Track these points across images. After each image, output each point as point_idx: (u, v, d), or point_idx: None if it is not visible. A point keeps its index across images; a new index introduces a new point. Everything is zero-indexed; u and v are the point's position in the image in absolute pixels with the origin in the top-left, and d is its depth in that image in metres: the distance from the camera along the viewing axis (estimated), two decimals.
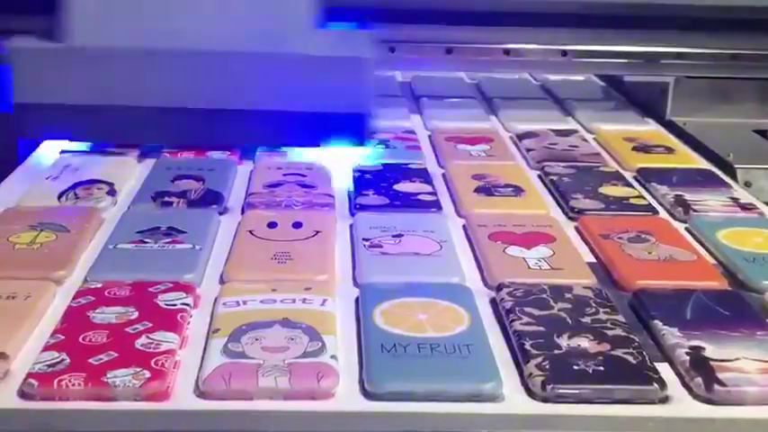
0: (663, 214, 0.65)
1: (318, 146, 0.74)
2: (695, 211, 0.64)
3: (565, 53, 0.90)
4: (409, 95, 0.98)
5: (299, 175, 0.69)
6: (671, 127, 0.90)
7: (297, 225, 0.59)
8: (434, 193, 0.66)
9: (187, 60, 0.71)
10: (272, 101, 0.72)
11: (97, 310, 0.47)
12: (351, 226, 0.61)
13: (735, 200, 0.67)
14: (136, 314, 0.46)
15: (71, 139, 0.74)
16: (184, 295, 0.49)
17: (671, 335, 0.46)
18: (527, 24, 0.89)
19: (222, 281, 0.52)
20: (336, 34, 0.76)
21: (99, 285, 0.50)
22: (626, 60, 0.91)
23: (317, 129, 0.73)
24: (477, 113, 0.91)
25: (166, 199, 0.63)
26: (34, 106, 0.72)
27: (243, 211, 0.63)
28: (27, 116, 0.72)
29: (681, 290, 0.52)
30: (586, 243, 0.60)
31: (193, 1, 0.71)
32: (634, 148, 0.79)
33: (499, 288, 0.51)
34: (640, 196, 0.67)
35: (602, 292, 0.51)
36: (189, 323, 0.47)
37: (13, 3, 0.81)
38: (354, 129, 0.73)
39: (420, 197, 0.65)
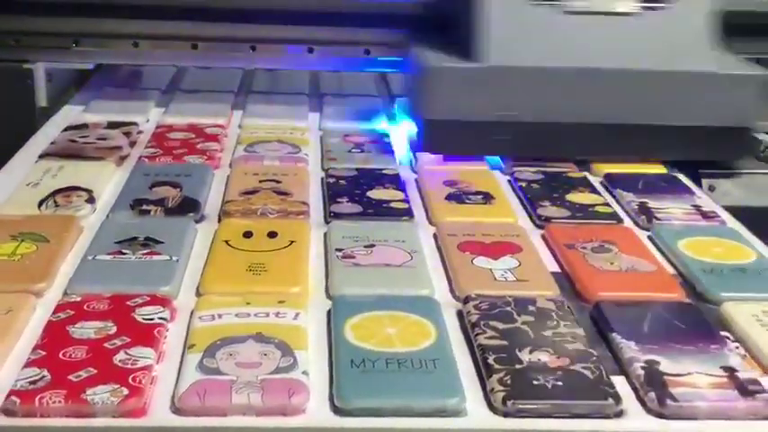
0: (627, 222, 0.67)
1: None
2: (658, 219, 0.67)
3: None
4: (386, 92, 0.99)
5: (274, 181, 0.71)
6: None
7: (272, 235, 0.61)
8: (407, 201, 0.68)
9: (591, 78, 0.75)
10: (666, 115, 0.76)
11: (77, 325, 0.48)
12: (325, 234, 0.63)
13: (697, 207, 0.69)
14: (114, 329, 0.48)
15: (472, 155, 0.77)
16: (161, 309, 0.50)
17: (628, 348, 0.48)
18: None
19: (198, 293, 0.54)
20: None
21: (78, 299, 0.51)
22: None
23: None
24: None
25: (144, 207, 0.65)
26: (444, 122, 0.75)
27: (219, 219, 0.65)
28: (436, 132, 0.76)
29: (640, 302, 0.54)
30: (552, 252, 0.62)
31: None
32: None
33: (466, 300, 0.53)
34: (606, 204, 0.69)
35: (564, 305, 0.53)
36: (165, 337, 0.49)
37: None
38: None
39: (393, 205, 0.67)
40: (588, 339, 0.49)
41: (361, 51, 0.91)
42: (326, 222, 0.65)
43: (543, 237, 0.64)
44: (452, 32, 0.80)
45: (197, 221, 0.64)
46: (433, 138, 0.76)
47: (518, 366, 0.46)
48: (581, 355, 0.48)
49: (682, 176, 0.77)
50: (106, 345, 0.47)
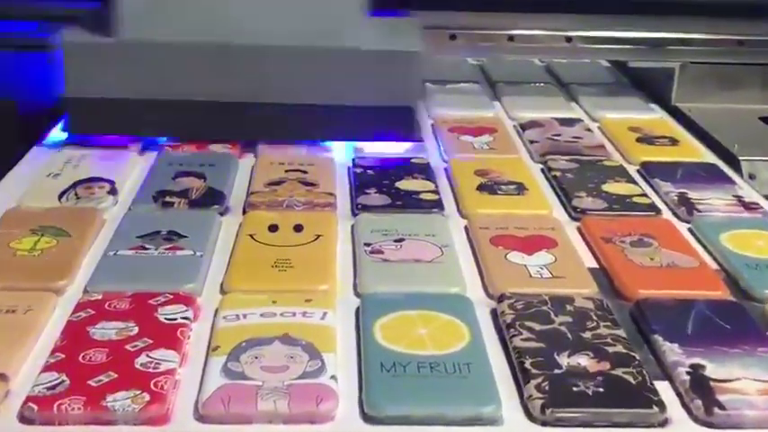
0: (666, 214, 0.65)
1: (366, 140, 0.74)
2: (698, 211, 0.64)
3: (569, 39, 0.89)
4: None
5: (300, 171, 0.69)
6: (676, 114, 0.89)
7: (298, 228, 0.59)
8: (437, 191, 0.66)
9: (236, 54, 0.71)
10: (320, 95, 0.72)
11: (97, 326, 0.47)
12: (352, 227, 0.61)
13: (739, 198, 0.66)
14: (136, 329, 0.46)
15: (117, 134, 0.74)
16: (184, 308, 0.49)
17: (671, 351, 0.46)
18: (531, 10, 0.88)
19: (223, 290, 0.52)
20: (385, 23, 0.76)
21: (99, 297, 0.50)
22: (631, 46, 0.90)
23: (364, 123, 0.73)
24: (480, 100, 0.90)
25: (167, 199, 0.63)
26: (83, 101, 0.71)
27: (244, 212, 0.63)
28: (76, 110, 0.72)
29: (682, 300, 0.51)
30: (588, 246, 0.59)
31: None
32: (638, 140, 0.79)
33: (500, 299, 0.51)
34: (644, 194, 0.67)
35: (603, 304, 0.50)
36: (189, 338, 0.47)
37: None
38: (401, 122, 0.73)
39: (422, 196, 0.65)
40: (629, 341, 0.47)
41: None
42: (354, 215, 0.63)
43: (579, 229, 0.62)
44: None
45: (221, 214, 0.63)
46: (79, 118, 0.72)
47: (556, 371, 0.44)
48: (622, 358, 0.45)
49: (722, 164, 0.74)
50: (127, 347, 0.45)
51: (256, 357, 0.44)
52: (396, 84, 0.72)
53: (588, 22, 0.89)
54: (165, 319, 0.48)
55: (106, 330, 0.46)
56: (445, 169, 0.72)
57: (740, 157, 0.77)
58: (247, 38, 0.70)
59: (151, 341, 0.45)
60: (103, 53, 0.71)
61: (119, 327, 0.47)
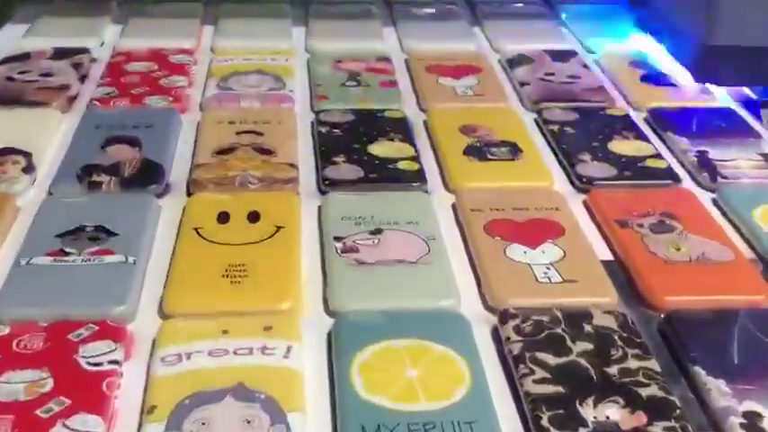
0: (686, 180, 0.55)
1: None
2: (723, 177, 0.55)
3: None
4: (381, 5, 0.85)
5: (255, 133, 0.58)
6: None
7: (253, 217, 0.49)
8: (417, 158, 0.56)
9: None
10: None
11: (2, 377, 0.37)
12: (319, 211, 0.51)
13: (766, 157, 0.57)
14: (50, 383, 0.37)
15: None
16: (112, 346, 0.39)
17: (718, 392, 0.37)
18: None
19: (162, 311, 0.42)
20: None
21: (7, 331, 0.40)
22: None
23: None
24: (459, 27, 0.79)
25: (95, 178, 0.52)
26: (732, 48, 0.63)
27: (188, 192, 0.53)
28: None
29: (721, 312, 0.42)
30: (600, 231, 0.50)
31: None
32: (643, 78, 0.69)
33: (503, 318, 0.41)
34: (657, 155, 0.57)
35: (627, 320, 0.41)
36: (117, 393, 0.37)
37: None
38: None
39: (400, 165, 0.55)
40: (665, 378, 0.38)
41: None
42: (321, 192, 0.53)
43: (586, 205, 0.53)
44: None
45: (160, 195, 0.52)
46: (717, 66, 0.64)
47: (582, 431, 0.35)
48: (660, 405, 0.37)
49: (741, 110, 0.64)
50: (38, 412, 0.35)
51: (203, 424, 0.35)
52: None
53: None
54: (88, 363, 0.38)
55: (12, 386, 0.37)
56: (424, 122, 0.62)
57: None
58: None
59: (69, 401, 0.36)
60: None
61: (28, 378, 0.37)
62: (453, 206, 0.52)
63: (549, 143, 0.60)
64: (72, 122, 0.60)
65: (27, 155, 0.55)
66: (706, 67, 0.65)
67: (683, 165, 0.57)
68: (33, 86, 0.64)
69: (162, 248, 0.47)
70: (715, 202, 0.53)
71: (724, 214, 0.52)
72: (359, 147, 0.57)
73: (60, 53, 0.70)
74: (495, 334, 0.42)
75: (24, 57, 0.69)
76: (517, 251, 0.47)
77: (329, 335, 0.41)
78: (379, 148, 0.57)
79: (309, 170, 0.55)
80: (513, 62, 0.71)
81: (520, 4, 0.85)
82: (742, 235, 0.50)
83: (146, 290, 0.44)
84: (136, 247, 0.46)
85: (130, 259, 0.45)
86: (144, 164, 0.54)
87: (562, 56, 0.73)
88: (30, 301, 0.42)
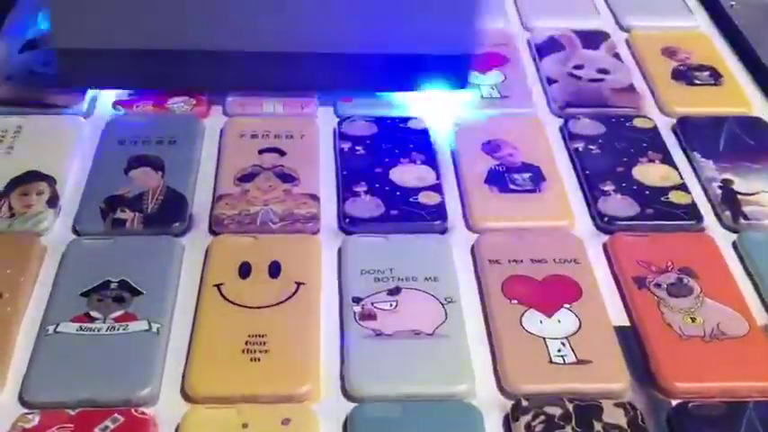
0: (708, 216, 0.55)
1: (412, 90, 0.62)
2: (746, 218, 0.54)
3: None
4: None
5: (277, 151, 0.58)
6: (714, 8, 0.76)
7: (275, 270, 0.50)
8: (438, 187, 0.56)
9: None
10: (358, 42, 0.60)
11: None
12: (339, 262, 0.51)
13: None
14: None
15: (116, 88, 0.63)
16: None
17: None
18: None
19: (184, 392, 0.44)
20: None
21: (36, 422, 0.42)
22: None
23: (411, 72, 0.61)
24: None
25: (119, 215, 0.53)
26: (77, 51, 0.59)
27: (210, 226, 0.53)
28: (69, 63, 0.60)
29: (731, 403, 0.43)
30: (617, 284, 0.50)
31: None
32: (675, 74, 0.67)
33: (515, 412, 0.43)
34: (682, 186, 0.57)
35: (636, 418, 0.42)
36: None
37: None
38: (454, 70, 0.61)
39: (422, 199, 0.55)
40: None
41: None
42: (341, 229, 0.53)
43: (606, 250, 0.53)
44: None
45: (183, 232, 0.53)
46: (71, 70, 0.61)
47: None
48: None
49: None
50: None
51: None
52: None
53: None
54: None
55: None
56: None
57: None
58: None
59: None
60: None
61: None
62: (473, 252, 0.52)
63: (573, 163, 0.59)
64: (94, 129, 0.60)
65: (51, 181, 0.55)
66: None
67: (707, 196, 0.57)
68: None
69: (185, 305, 0.48)
70: (735, 246, 0.53)
71: (743, 261, 0.52)
72: (381, 171, 0.57)
73: None
74: (507, 424, 0.43)
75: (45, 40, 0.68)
76: (533, 320, 0.47)
77: (345, 424, 0.43)
78: (401, 174, 0.57)
79: (331, 196, 0.55)
80: (541, 49, 0.70)
81: None
82: (759, 292, 0.50)
83: (169, 363, 0.45)
84: (159, 310, 0.47)
85: (154, 327, 0.46)
86: (167, 195, 0.54)
87: (593, 40, 0.71)
88: (58, 383, 0.43)
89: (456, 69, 0.61)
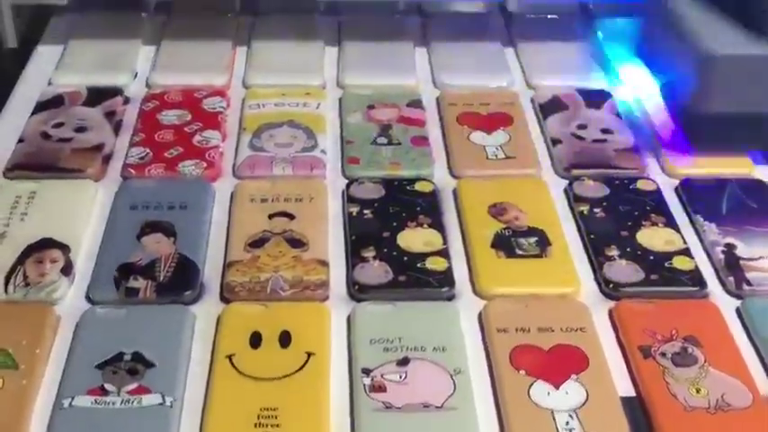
0: (711, 281, 0.56)
1: None
2: (749, 284, 0.55)
3: None
4: (415, 17, 0.84)
5: (286, 215, 0.59)
6: None
7: (285, 339, 0.51)
8: (446, 252, 0.57)
9: None
10: None
11: None
12: (348, 323, 0.52)
13: None
14: None
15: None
16: None
17: None
18: None
19: None
20: None
21: None
22: None
23: None
24: (493, 53, 0.78)
25: (132, 284, 0.54)
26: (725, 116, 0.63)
27: (221, 294, 0.54)
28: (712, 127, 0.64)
29: None
30: (623, 353, 0.51)
31: None
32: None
33: None
34: (685, 251, 0.57)
35: None
36: None
37: None
38: None
39: (429, 264, 0.56)
40: None
41: None
42: (350, 296, 0.54)
43: (611, 317, 0.54)
44: None
45: (195, 300, 0.54)
46: (706, 134, 0.64)
47: None
48: None
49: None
50: None
51: None
52: None
53: None
54: None
55: None
56: (454, 191, 0.62)
57: None
58: None
59: None
60: None
61: None
62: (480, 321, 0.53)
63: (578, 226, 0.60)
64: (107, 193, 0.61)
65: (65, 249, 0.56)
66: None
67: (711, 261, 0.57)
68: (68, 148, 0.65)
69: (198, 376, 0.49)
70: (739, 312, 0.54)
71: (746, 329, 0.53)
72: (388, 235, 0.58)
73: (94, 96, 0.70)
74: None
75: (58, 101, 0.70)
76: (541, 392, 0.48)
77: None
78: (409, 239, 0.58)
79: (340, 261, 0.56)
80: (545, 108, 0.71)
81: (555, 16, 0.83)
82: (762, 360, 0.51)
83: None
84: (172, 382, 0.48)
85: (167, 400, 0.47)
86: (179, 262, 0.55)
87: (595, 99, 0.72)
88: None
89: None
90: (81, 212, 0.59)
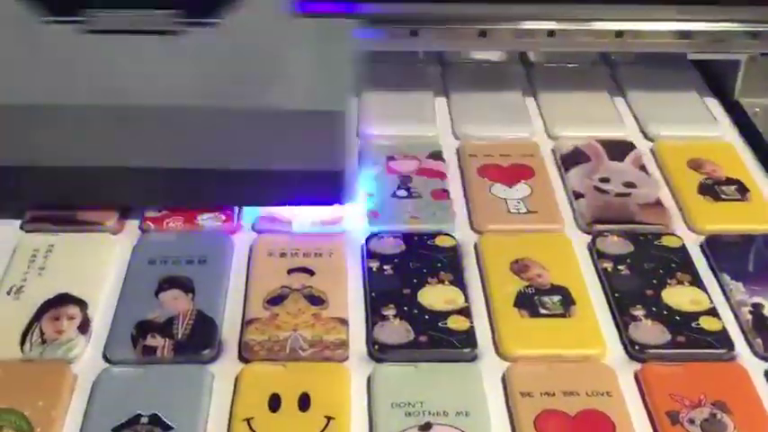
0: (739, 345, 0.55)
1: (289, 205, 0.63)
2: None
3: (620, 34, 0.75)
4: (435, 65, 0.83)
5: (306, 272, 0.58)
6: (738, 115, 0.77)
7: (304, 403, 0.50)
8: (467, 311, 0.56)
9: (137, 117, 0.58)
10: (233, 159, 0.60)
11: None
12: (368, 385, 0.51)
13: None
14: None
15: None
16: None
17: None
18: (575, 1, 0.74)
19: None
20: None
21: None
22: (690, 40, 0.76)
23: (286, 187, 0.61)
24: (513, 103, 0.78)
25: (149, 342, 0.53)
26: None
27: (240, 353, 0.53)
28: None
29: None
30: (650, 419, 0.50)
31: (139, 52, 0.57)
32: (701, 189, 0.67)
33: None
34: (712, 311, 0.56)
35: None
36: None
37: None
38: (329, 187, 0.61)
39: (450, 324, 0.55)
40: None
41: None
42: (370, 355, 0.53)
43: (637, 380, 0.52)
44: None
45: (212, 359, 0.53)
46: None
47: None
48: None
49: None
50: None
51: None
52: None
53: (640, 14, 0.75)
54: None
55: None
56: (475, 246, 0.62)
57: None
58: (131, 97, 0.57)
59: None
60: None
61: None
62: (504, 384, 0.52)
63: (602, 284, 0.59)
64: (125, 246, 0.61)
65: (82, 305, 0.56)
66: None
67: (737, 319, 0.56)
68: None
69: None
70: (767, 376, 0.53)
71: None
72: (409, 292, 0.57)
73: None
74: None
75: None
76: None
77: None
78: (430, 296, 0.57)
79: (360, 319, 0.56)
80: (566, 160, 0.70)
81: (575, 65, 0.83)
82: None
83: None
84: None
85: None
86: (197, 319, 0.55)
87: (618, 150, 0.71)
88: None
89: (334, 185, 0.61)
90: (99, 267, 0.59)
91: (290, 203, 0.62)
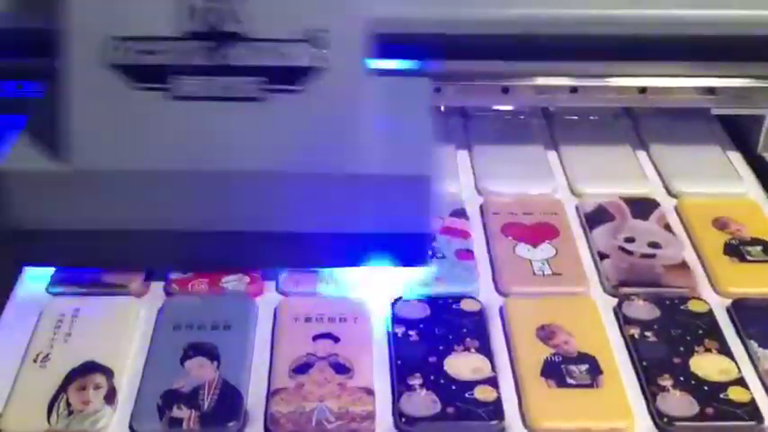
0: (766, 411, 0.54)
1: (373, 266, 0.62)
2: None
3: (643, 90, 0.75)
4: (457, 117, 0.83)
5: (331, 338, 0.58)
6: (762, 170, 0.77)
7: None
8: (494, 381, 0.55)
9: (209, 182, 0.58)
10: (320, 222, 0.60)
11: None
12: None
13: None
14: None
15: (77, 267, 0.63)
16: None
17: None
18: (597, 58, 0.74)
19: None
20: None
21: None
22: (713, 96, 0.76)
23: (373, 250, 0.61)
24: (536, 159, 0.77)
25: (175, 413, 0.53)
26: (37, 233, 0.60)
27: (265, 425, 0.53)
28: (29, 243, 0.61)
29: None
30: None
31: (216, 122, 0.57)
32: (726, 248, 0.67)
33: None
34: (740, 381, 0.56)
35: None
36: None
37: None
38: (415, 249, 0.61)
39: (477, 394, 0.55)
40: None
41: None
42: (396, 428, 0.53)
43: None
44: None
45: (238, 431, 0.53)
46: (31, 250, 0.61)
47: None
48: None
49: None
50: None
51: None
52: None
53: (664, 71, 0.75)
54: None
55: None
56: (501, 313, 0.61)
57: None
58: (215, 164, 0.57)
59: None
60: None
61: None
62: None
63: (629, 351, 0.59)
64: (150, 310, 0.61)
65: (108, 373, 0.55)
66: None
67: (766, 389, 0.56)
68: None
69: None
70: None
71: None
72: (435, 360, 0.57)
73: None
74: None
75: None
76: None
77: None
78: (456, 365, 0.56)
79: (385, 388, 0.55)
80: (591, 219, 0.70)
81: (596, 117, 0.83)
82: None
83: None
84: None
85: None
86: (222, 389, 0.55)
87: (642, 209, 0.71)
88: None
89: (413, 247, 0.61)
90: (124, 332, 0.59)
91: (375, 264, 0.62)
